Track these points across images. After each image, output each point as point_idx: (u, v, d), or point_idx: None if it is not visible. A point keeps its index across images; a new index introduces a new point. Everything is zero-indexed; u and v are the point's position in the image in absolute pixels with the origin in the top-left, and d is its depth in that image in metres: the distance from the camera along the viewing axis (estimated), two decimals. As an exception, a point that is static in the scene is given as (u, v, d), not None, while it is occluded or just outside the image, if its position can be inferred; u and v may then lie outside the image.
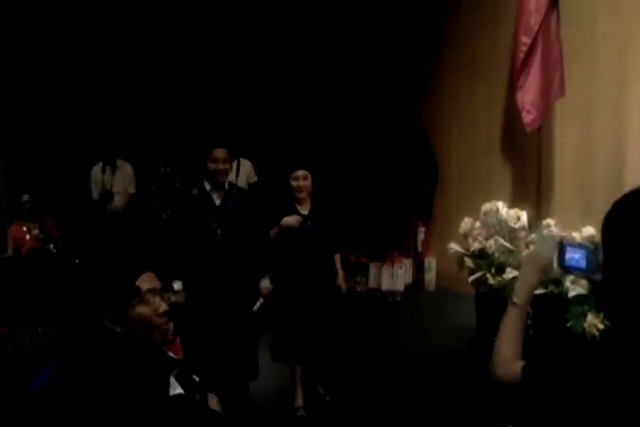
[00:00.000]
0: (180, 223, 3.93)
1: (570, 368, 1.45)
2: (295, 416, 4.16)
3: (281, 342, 4.19)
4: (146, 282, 2.31)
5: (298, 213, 4.18)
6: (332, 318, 4.26)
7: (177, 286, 3.81)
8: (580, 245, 1.56)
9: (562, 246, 1.56)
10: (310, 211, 4.23)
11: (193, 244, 3.86)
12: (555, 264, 1.58)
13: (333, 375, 4.58)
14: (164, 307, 2.28)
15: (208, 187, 3.97)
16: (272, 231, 4.13)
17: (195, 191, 3.99)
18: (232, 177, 4.54)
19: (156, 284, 2.32)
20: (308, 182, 4.19)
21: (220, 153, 3.91)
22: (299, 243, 4.13)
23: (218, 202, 3.96)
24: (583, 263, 1.54)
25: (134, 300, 2.24)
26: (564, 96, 5.11)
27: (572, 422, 1.46)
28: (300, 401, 4.22)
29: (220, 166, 3.90)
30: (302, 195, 4.19)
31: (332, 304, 4.26)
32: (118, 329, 2.25)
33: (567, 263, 1.56)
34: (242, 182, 6.07)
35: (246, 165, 6.53)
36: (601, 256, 1.51)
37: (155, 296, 2.27)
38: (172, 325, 2.39)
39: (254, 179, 6.59)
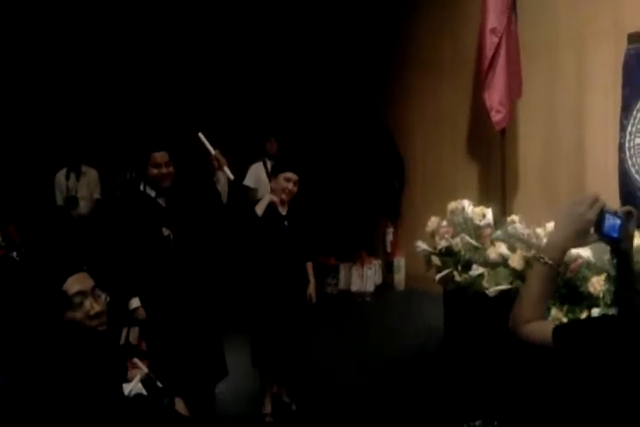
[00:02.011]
0: (129, 236, 3.64)
1: (605, 335, 1.45)
2: (263, 423, 4.09)
3: (261, 349, 4.09)
4: (74, 284, 2.13)
5: (277, 212, 4.09)
6: (304, 326, 4.19)
7: (134, 303, 3.61)
8: (616, 213, 1.54)
9: (602, 213, 1.51)
10: (288, 212, 4.16)
11: (144, 255, 3.63)
12: (592, 230, 1.52)
13: (302, 380, 4.52)
14: (96, 308, 2.13)
15: (153, 193, 3.70)
16: (258, 206, 3.98)
17: (139, 199, 3.72)
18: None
19: (87, 285, 2.15)
20: (296, 189, 4.11)
21: (162, 156, 3.64)
22: (275, 244, 4.03)
23: (166, 207, 3.73)
24: (616, 232, 1.53)
25: (63, 305, 2.10)
26: (519, 97, 5.20)
27: (605, 388, 1.45)
28: (268, 408, 4.15)
29: (164, 170, 3.63)
30: (288, 198, 4.10)
31: (304, 314, 4.19)
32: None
33: (605, 230, 1.52)
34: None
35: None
36: (632, 226, 1.53)
37: (85, 298, 2.12)
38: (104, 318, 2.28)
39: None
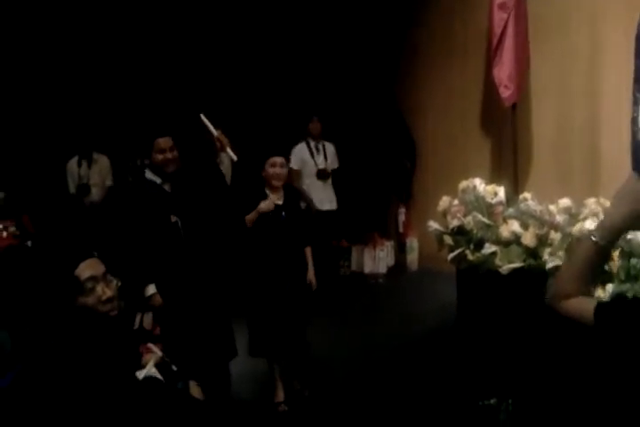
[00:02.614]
0: (138, 223, 3.65)
1: None
2: (277, 412, 4.07)
3: (258, 338, 4.07)
4: (86, 270, 2.15)
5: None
6: (304, 312, 4.15)
7: (150, 290, 3.64)
8: None
9: None
10: (284, 201, 4.10)
11: (155, 242, 3.64)
12: None
13: (314, 365, 4.47)
14: (107, 293, 2.16)
15: (158, 180, 3.70)
16: (248, 217, 3.97)
17: (146, 186, 3.72)
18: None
19: (98, 270, 2.17)
20: (286, 171, 4.08)
21: (166, 142, 3.63)
22: (272, 234, 4.00)
23: (172, 193, 3.73)
24: None
25: (75, 290, 2.12)
26: (527, 71, 5.14)
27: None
28: (280, 396, 4.13)
29: (169, 155, 3.62)
30: (279, 183, 4.05)
31: (304, 298, 4.15)
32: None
33: None
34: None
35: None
36: None
37: (97, 283, 2.15)
38: (121, 304, 2.29)
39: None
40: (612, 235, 1.48)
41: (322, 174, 6.46)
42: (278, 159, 4.03)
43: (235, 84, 7.87)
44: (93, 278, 2.15)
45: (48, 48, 7.40)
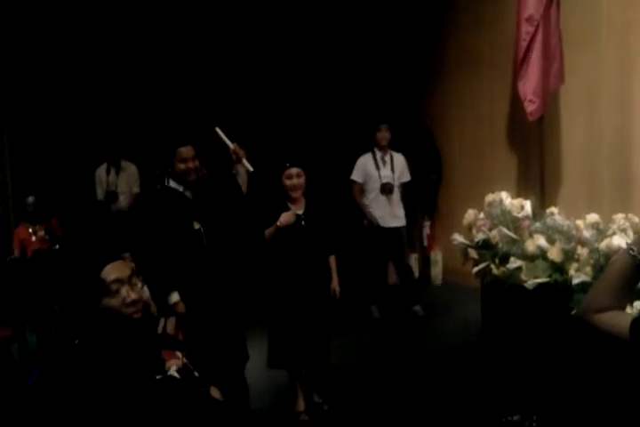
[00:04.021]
0: (164, 230, 3.66)
1: None
2: (298, 421, 4.04)
3: (278, 349, 4.04)
4: (111, 272, 2.20)
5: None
6: (326, 321, 4.11)
7: (174, 297, 3.64)
8: None
9: None
10: (305, 210, 4.08)
11: (179, 249, 3.66)
12: None
13: (334, 378, 4.46)
14: (132, 296, 2.20)
15: (180, 188, 3.74)
16: (267, 231, 3.97)
17: (168, 194, 3.75)
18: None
19: (124, 273, 2.22)
20: (303, 180, 4.03)
21: (188, 151, 3.67)
22: (292, 244, 3.99)
23: (194, 201, 3.76)
24: None
25: (100, 292, 2.16)
26: (562, 85, 5.09)
27: None
28: (301, 405, 4.10)
29: (191, 165, 3.66)
30: (297, 194, 4.03)
31: (326, 308, 4.12)
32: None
33: None
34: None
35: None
36: None
37: (122, 286, 2.19)
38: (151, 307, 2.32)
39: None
40: None
41: (385, 188, 5.84)
42: (294, 170, 4.02)
43: (261, 94, 7.94)
44: (119, 281, 2.20)
45: (81, 59, 7.53)
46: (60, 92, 7.53)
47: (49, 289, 4.59)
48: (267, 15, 7.94)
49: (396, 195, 5.94)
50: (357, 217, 6.02)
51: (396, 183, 5.91)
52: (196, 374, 3.08)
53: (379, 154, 5.94)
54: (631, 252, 1.48)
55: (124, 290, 2.19)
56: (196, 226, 3.74)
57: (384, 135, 5.90)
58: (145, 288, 2.34)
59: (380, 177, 5.86)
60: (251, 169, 3.80)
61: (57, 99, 7.54)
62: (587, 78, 5.15)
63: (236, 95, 7.89)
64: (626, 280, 1.50)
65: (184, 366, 3.04)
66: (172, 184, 3.76)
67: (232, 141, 3.80)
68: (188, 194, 3.76)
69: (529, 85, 5.09)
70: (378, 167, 5.89)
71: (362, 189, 5.94)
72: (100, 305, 2.16)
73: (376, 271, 6.07)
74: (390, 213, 5.91)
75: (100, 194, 7.07)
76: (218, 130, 3.80)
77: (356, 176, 5.93)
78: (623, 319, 1.47)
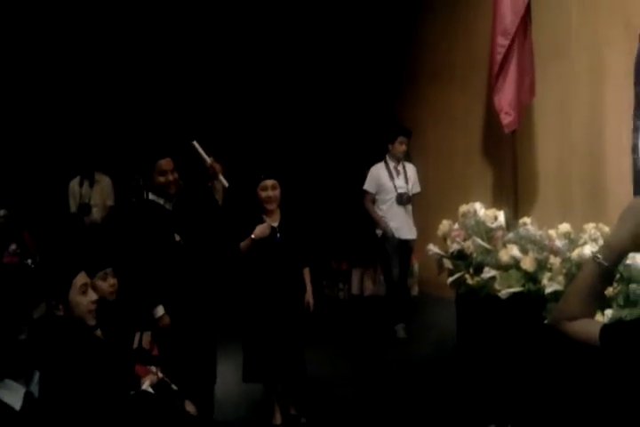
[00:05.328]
0: (146, 244, 3.64)
1: None
2: None
3: (252, 363, 4.00)
4: (81, 278, 2.56)
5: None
6: (301, 334, 4.09)
7: (159, 311, 3.61)
8: None
9: None
10: (280, 223, 4.07)
11: (161, 262, 3.63)
12: None
13: (310, 390, 4.42)
14: (94, 296, 2.60)
15: (161, 201, 3.71)
16: (243, 244, 3.96)
17: (149, 206, 3.73)
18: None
19: (87, 280, 2.62)
20: (278, 192, 4.02)
21: (167, 164, 3.65)
22: (267, 256, 3.97)
23: (174, 213, 3.74)
24: None
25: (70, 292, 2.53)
26: (532, 98, 5.17)
27: None
28: (278, 419, 4.06)
29: (171, 177, 3.64)
30: (272, 206, 4.02)
31: (301, 320, 4.10)
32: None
33: None
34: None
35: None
36: None
37: (87, 288, 2.58)
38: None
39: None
40: (615, 256, 1.50)
41: (402, 199, 5.74)
42: (269, 182, 4.00)
43: (236, 106, 7.95)
44: (86, 284, 2.58)
45: (53, 69, 7.48)
46: (33, 105, 7.47)
47: (18, 303, 4.49)
48: (244, 30, 7.95)
49: (409, 206, 5.85)
50: (369, 228, 5.94)
51: (410, 194, 5.83)
52: (174, 387, 3.06)
53: (392, 164, 5.83)
54: (597, 259, 1.50)
55: (90, 291, 2.58)
56: (177, 238, 3.72)
57: (403, 148, 5.81)
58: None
59: (395, 187, 5.76)
60: (226, 185, 3.80)
61: (29, 111, 7.47)
62: (558, 91, 5.23)
63: (212, 106, 7.89)
64: (594, 288, 1.53)
65: (160, 381, 3.02)
66: (152, 197, 3.73)
67: (209, 155, 3.79)
68: (168, 206, 3.74)
69: (505, 98, 5.16)
70: (392, 177, 5.77)
71: (374, 199, 5.83)
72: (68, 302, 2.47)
73: (397, 287, 5.83)
74: (406, 225, 5.83)
75: (73, 206, 7.02)
76: (195, 144, 3.80)
77: (369, 186, 5.81)
78: (593, 327, 1.50)
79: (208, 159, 3.78)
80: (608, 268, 1.50)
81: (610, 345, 1.45)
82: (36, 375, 1.95)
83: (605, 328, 1.48)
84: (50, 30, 7.41)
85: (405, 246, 5.82)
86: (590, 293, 1.53)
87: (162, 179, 3.64)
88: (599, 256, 1.50)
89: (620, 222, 1.50)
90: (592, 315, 1.56)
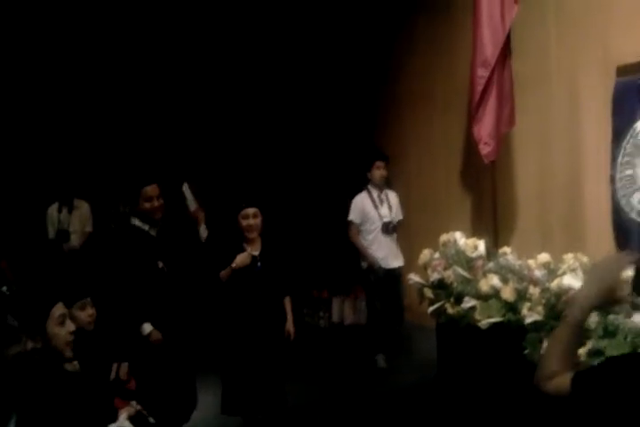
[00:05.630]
0: (129, 270, 3.65)
1: (623, 380, 1.44)
2: None
3: (232, 394, 3.94)
4: (59, 308, 2.48)
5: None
6: (281, 364, 4.06)
7: (147, 328, 3.62)
8: None
9: None
10: (261, 251, 4.05)
11: (143, 288, 3.63)
12: (629, 288, 1.57)
13: (291, 422, 4.33)
14: (72, 327, 2.53)
15: (146, 227, 3.73)
16: (223, 273, 3.94)
17: (133, 232, 3.75)
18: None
19: (65, 310, 2.54)
20: (259, 221, 4.01)
21: (153, 190, 3.70)
22: (248, 285, 3.95)
23: (158, 239, 3.76)
24: None
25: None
26: (512, 127, 5.23)
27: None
28: None
29: (156, 204, 3.69)
30: (253, 234, 4.01)
31: (282, 350, 4.07)
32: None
33: None
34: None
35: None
36: None
37: (65, 319, 2.51)
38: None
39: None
40: (581, 312, 1.59)
41: (387, 228, 5.68)
42: (250, 210, 4.00)
43: (214, 132, 7.95)
44: (64, 315, 2.51)
45: (30, 94, 7.44)
46: (9, 130, 7.41)
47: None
48: (222, 50, 7.98)
49: (395, 234, 5.79)
50: (350, 256, 5.89)
51: (395, 222, 5.78)
52: (151, 420, 3.01)
53: (375, 193, 5.77)
54: (568, 318, 1.60)
55: (68, 322, 2.52)
56: (160, 264, 3.71)
57: (381, 173, 5.74)
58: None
59: (380, 216, 5.69)
60: (204, 235, 3.81)
61: (5, 137, 7.41)
62: (538, 121, 5.30)
63: (192, 133, 7.88)
64: (569, 345, 1.61)
65: (137, 413, 2.97)
66: (137, 223, 3.74)
67: (196, 200, 3.80)
68: (152, 232, 3.75)
69: (484, 128, 5.19)
70: (376, 206, 5.70)
71: (359, 229, 5.73)
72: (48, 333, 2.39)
73: (379, 318, 5.76)
74: (392, 254, 5.75)
75: (52, 233, 6.94)
76: (185, 187, 3.81)
77: (353, 217, 5.71)
78: (563, 379, 1.55)
79: (193, 206, 3.79)
80: (579, 324, 1.59)
81: (579, 392, 1.50)
82: (13, 418, 1.92)
83: (576, 377, 1.52)
84: (29, 52, 7.39)
85: (393, 275, 5.73)
86: (566, 350, 1.61)
87: (147, 205, 3.67)
88: (569, 315, 1.60)
89: (586, 280, 1.62)
90: (575, 367, 1.61)
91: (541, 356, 1.67)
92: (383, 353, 5.69)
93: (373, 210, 5.69)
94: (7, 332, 2.25)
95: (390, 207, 5.77)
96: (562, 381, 1.54)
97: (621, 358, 1.78)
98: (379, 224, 5.67)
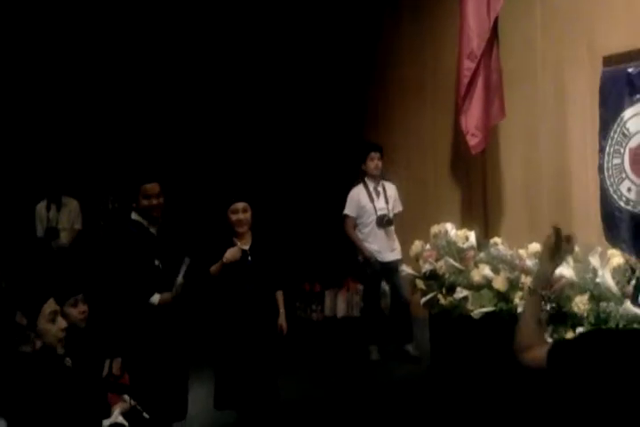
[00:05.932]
0: (125, 265, 3.68)
1: (598, 353, 1.50)
2: None
3: (225, 389, 3.93)
4: (50, 305, 2.52)
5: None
6: (274, 358, 4.04)
7: (155, 297, 3.68)
8: None
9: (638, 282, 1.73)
10: (251, 246, 4.03)
11: (139, 285, 3.66)
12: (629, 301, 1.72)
13: (284, 416, 4.27)
14: (64, 324, 2.56)
15: (145, 223, 3.75)
16: (213, 268, 3.91)
17: (133, 229, 3.76)
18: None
19: (57, 307, 2.58)
20: (249, 215, 3.99)
21: (153, 188, 3.73)
22: (239, 280, 3.93)
23: (157, 237, 3.78)
24: None
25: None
26: (503, 119, 5.24)
27: (598, 406, 1.48)
28: None
29: (155, 202, 3.71)
30: (243, 229, 3.98)
31: (274, 344, 4.05)
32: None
33: None
34: None
35: None
36: None
37: (57, 316, 2.53)
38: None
39: None
40: (543, 282, 1.79)
41: (382, 221, 5.55)
42: (240, 205, 3.98)
43: (204, 128, 7.93)
44: (55, 312, 2.53)
45: (17, 91, 7.39)
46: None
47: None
48: (210, 40, 7.95)
49: (392, 227, 5.65)
50: (351, 253, 5.83)
51: (391, 214, 5.65)
52: (146, 415, 3.01)
53: (371, 185, 5.65)
54: (533, 290, 1.77)
55: (59, 319, 2.54)
56: (156, 262, 3.72)
57: (376, 164, 5.59)
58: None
59: (375, 209, 5.57)
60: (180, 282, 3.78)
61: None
62: (525, 113, 5.32)
63: (182, 129, 7.86)
64: (537, 315, 1.74)
65: (131, 409, 2.97)
66: (136, 217, 3.77)
67: (184, 277, 3.78)
68: (152, 230, 3.77)
69: (471, 120, 5.21)
70: (372, 199, 5.59)
71: (355, 223, 5.65)
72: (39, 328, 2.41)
73: (373, 309, 5.78)
74: (388, 247, 5.61)
75: (40, 230, 6.89)
76: (186, 260, 3.78)
77: (349, 210, 5.62)
78: (539, 352, 1.64)
79: (179, 280, 3.76)
80: (541, 294, 1.76)
81: (555, 366, 1.57)
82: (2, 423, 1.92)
83: (552, 349, 1.61)
84: (23, 51, 7.34)
85: (389, 268, 5.62)
86: (536, 320, 1.74)
87: (146, 202, 3.71)
88: (531, 287, 1.78)
89: (540, 256, 1.86)
90: (542, 341, 1.74)
91: (516, 329, 1.75)
92: (377, 345, 5.69)
93: (369, 203, 5.60)
94: (17, 331, 2.26)
95: (387, 200, 5.65)
96: (538, 353, 1.63)
97: (595, 333, 1.87)
98: (374, 217, 5.58)
